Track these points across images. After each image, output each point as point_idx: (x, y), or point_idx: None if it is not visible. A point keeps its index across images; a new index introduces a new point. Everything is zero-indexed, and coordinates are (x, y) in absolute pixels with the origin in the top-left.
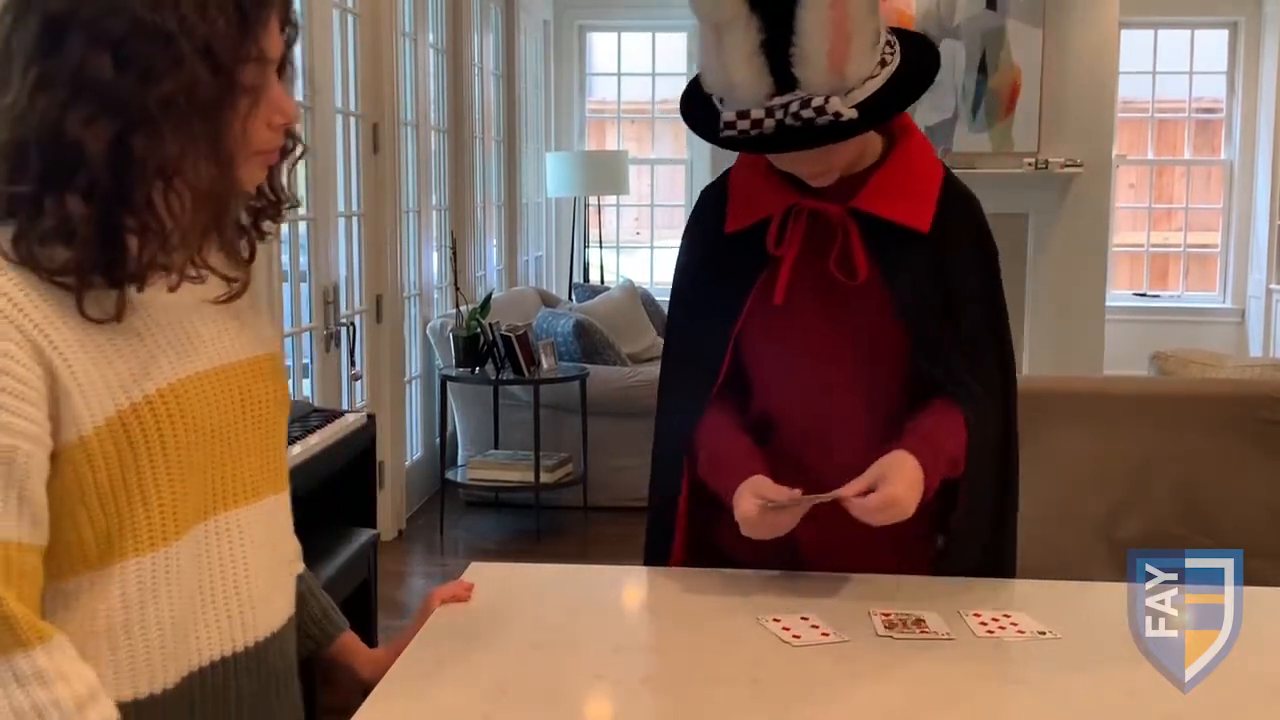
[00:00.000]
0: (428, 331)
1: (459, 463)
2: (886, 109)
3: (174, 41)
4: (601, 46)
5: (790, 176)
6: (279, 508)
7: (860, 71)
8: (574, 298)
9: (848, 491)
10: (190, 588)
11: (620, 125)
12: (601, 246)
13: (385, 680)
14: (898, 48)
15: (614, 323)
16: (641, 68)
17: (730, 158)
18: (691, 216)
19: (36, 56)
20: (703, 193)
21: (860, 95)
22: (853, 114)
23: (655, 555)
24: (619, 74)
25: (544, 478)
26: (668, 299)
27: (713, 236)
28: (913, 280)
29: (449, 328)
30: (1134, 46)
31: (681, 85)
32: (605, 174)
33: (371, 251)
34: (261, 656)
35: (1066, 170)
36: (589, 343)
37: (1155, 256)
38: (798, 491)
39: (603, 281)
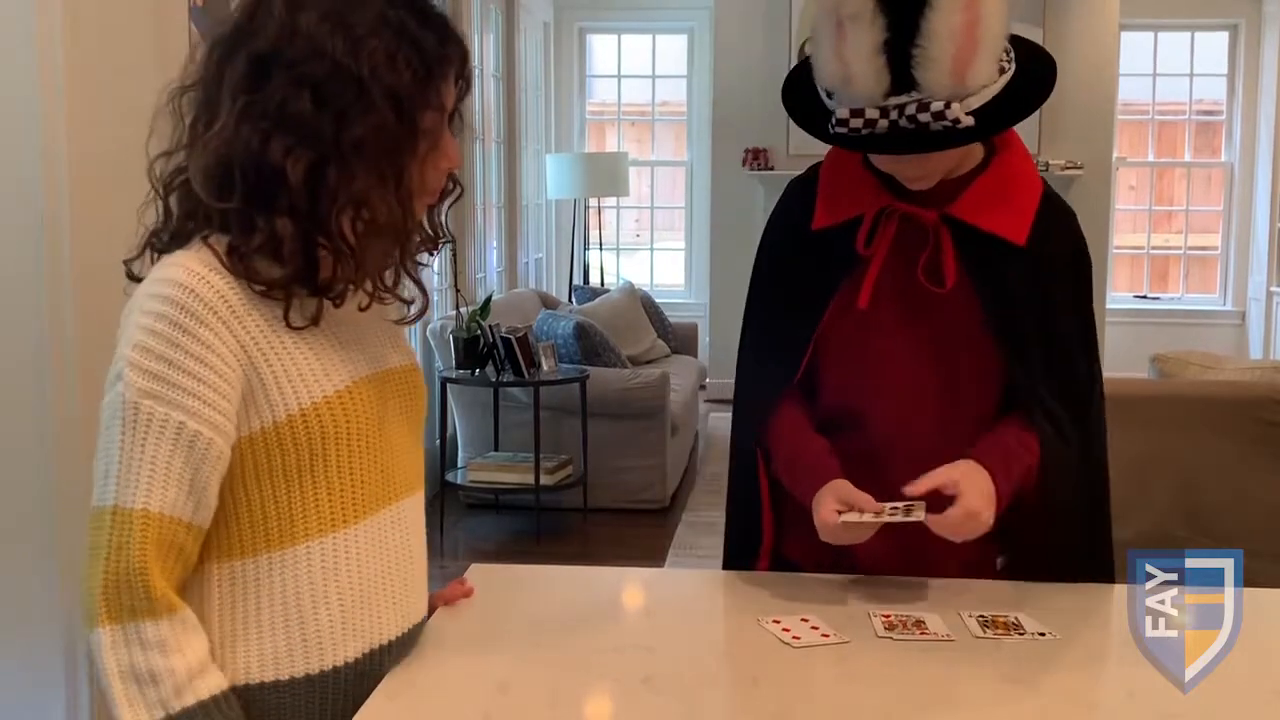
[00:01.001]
0: (428, 333)
1: (459, 465)
2: (1004, 119)
3: (365, 87)
4: (601, 48)
5: (884, 176)
6: (422, 503)
7: (980, 79)
8: (574, 299)
9: (915, 490)
10: (369, 571)
11: (620, 127)
12: (601, 248)
13: (386, 680)
14: (1013, 54)
15: (614, 325)
16: (641, 69)
17: (730, 159)
18: (775, 210)
19: (243, 89)
20: (789, 186)
21: (976, 102)
22: (969, 121)
23: (737, 563)
24: (619, 76)
25: (544, 479)
26: (668, 301)
27: (798, 231)
28: (1006, 292)
29: (449, 329)
30: (1134, 48)
31: (681, 87)
32: (605, 176)
33: None
34: (416, 635)
35: (1067, 172)
36: (589, 344)
37: (1155, 258)
38: (882, 507)
39: (603, 283)
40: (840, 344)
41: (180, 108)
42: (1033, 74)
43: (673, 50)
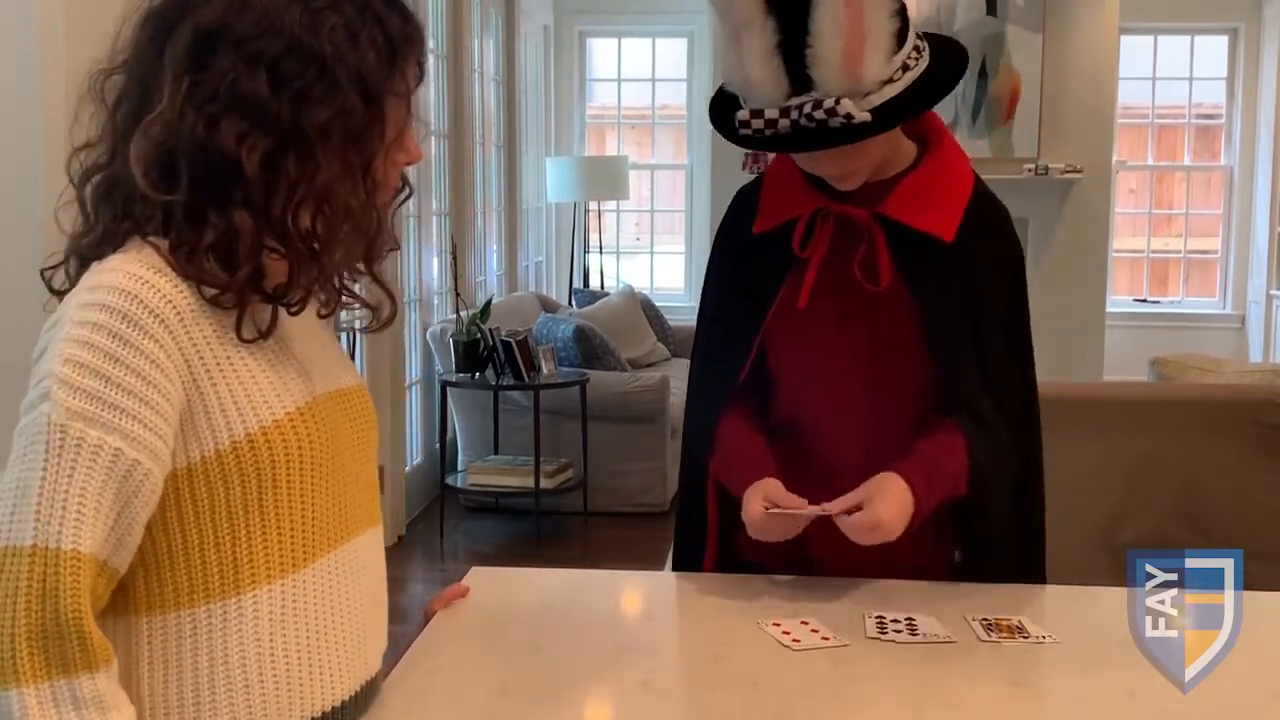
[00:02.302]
0: (428, 337)
1: (459, 468)
2: (900, 113)
3: (328, 67)
4: (601, 52)
5: (823, 180)
6: (379, 541)
7: (876, 74)
8: (574, 303)
9: (834, 508)
10: (320, 623)
11: (620, 130)
12: (602, 252)
13: (386, 684)
14: (926, 52)
15: (614, 328)
16: (641, 73)
17: (730, 163)
18: (725, 216)
19: (187, 68)
20: (738, 193)
21: (877, 100)
22: (865, 116)
23: (684, 562)
24: (619, 79)
25: (544, 483)
26: (667, 304)
27: (742, 236)
28: (936, 289)
29: (449, 333)
30: (1134, 52)
31: (681, 90)
32: (605, 179)
33: None
34: (371, 692)
35: (1066, 176)
36: (589, 348)
37: (1155, 262)
38: (804, 501)
39: (603, 287)
40: (785, 345)
41: (104, 94)
42: (940, 70)
43: (672, 54)
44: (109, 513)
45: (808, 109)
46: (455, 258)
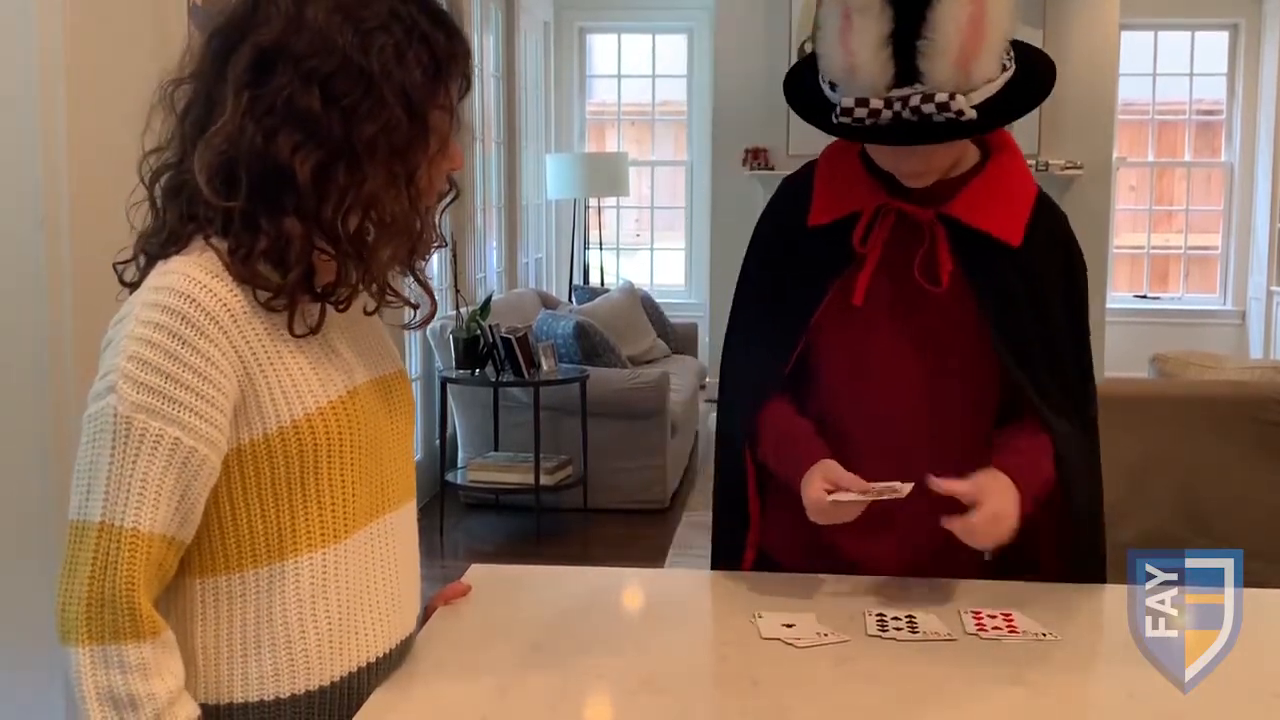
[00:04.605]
0: (427, 333)
1: (459, 465)
2: (1007, 113)
3: (375, 84)
4: (601, 48)
5: (881, 174)
6: (413, 514)
7: (985, 73)
8: (574, 299)
9: (939, 487)
10: (358, 587)
11: (620, 127)
12: (601, 248)
13: (386, 682)
14: (1014, 55)
15: (614, 325)
16: (641, 69)
17: (730, 160)
18: (770, 206)
19: (247, 83)
20: (784, 182)
21: (979, 97)
22: (973, 114)
23: (724, 552)
24: (619, 76)
25: (544, 480)
26: (667, 301)
27: (793, 228)
28: (1002, 292)
29: (449, 330)
30: (1134, 48)
31: (681, 87)
32: (605, 176)
33: None
34: (403, 653)
35: (1067, 172)
36: (589, 345)
37: (1155, 258)
38: (869, 486)
39: (603, 283)
40: (833, 340)
41: (174, 101)
42: (1033, 73)
43: (673, 50)
44: (171, 493)
45: (914, 101)
46: (455, 254)
